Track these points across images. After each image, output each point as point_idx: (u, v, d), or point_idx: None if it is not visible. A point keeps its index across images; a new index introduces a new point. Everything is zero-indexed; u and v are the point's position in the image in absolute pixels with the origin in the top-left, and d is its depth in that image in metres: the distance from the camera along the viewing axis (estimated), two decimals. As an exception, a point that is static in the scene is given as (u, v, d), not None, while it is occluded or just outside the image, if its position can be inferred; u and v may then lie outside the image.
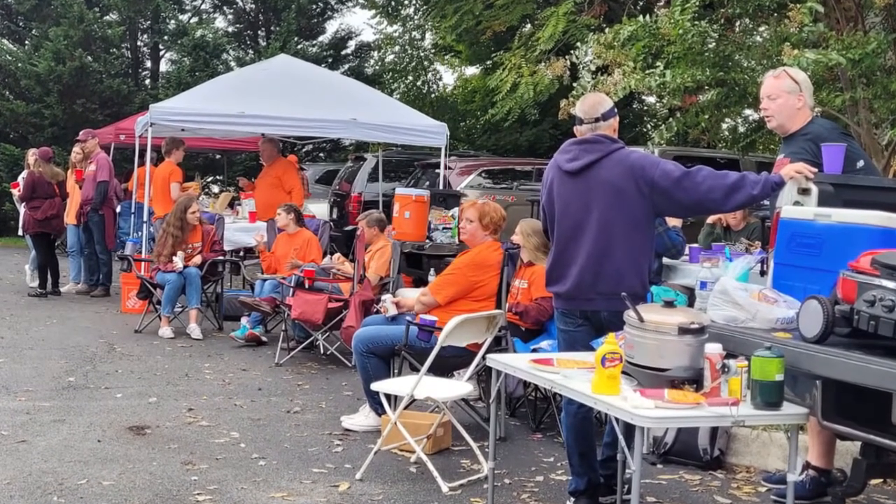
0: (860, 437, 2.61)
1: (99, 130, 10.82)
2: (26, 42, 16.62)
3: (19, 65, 15.55)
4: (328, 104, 8.41)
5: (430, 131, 8.65)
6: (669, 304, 2.83)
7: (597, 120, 3.36)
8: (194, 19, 17.91)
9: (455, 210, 6.23)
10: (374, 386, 4.07)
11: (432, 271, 5.28)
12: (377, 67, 18.47)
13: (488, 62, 14.99)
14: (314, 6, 17.94)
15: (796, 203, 3.08)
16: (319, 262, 6.76)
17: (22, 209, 9.14)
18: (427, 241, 6.17)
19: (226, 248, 7.87)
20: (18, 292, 9.00)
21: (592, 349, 2.93)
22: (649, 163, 3.29)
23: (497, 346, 4.30)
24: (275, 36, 16.97)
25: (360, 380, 4.55)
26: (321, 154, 17.54)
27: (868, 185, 3.23)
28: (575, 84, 6.50)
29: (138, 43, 17.57)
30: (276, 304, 6.46)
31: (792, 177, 3.13)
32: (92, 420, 4.57)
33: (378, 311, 4.93)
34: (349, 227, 9.63)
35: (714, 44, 6.08)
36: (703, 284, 3.17)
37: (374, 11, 17.53)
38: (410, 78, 18.49)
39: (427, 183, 9.71)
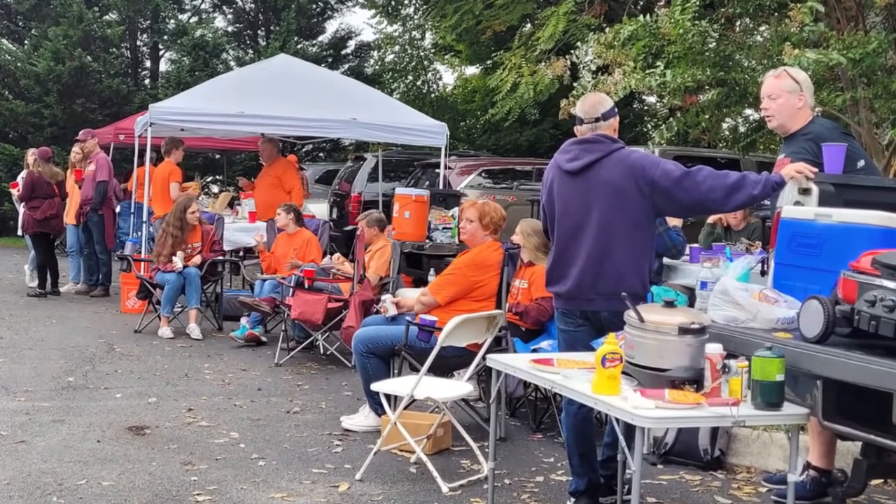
0: (861, 437, 2.60)
1: (98, 130, 10.81)
2: (25, 42, 16.61)
3: (18, 64, 15.54)
4: (328, 104, 8.40)
5: (429, 131, 8.64)
6: (670, 304, 2.83)
7: (597, 120, 3.35)
8: (194, 19, 17.91)
9: (455, 210, 6.23)
10: (374, 386, 4.06)
11: (432, 271, 5.28)
12: (377, 67, 18.47)
13: (488, 62, 14.99)
14: (314, 6, 17.94)
15: (797, 203, 3.08)
16: (319, 262, 6.76)
17: (21, 209, 9.14)
18: (427, 241, 6.17)
19: (225, 248, 7.86)
20: (18, 292, 9.00)
21: (593, 349, 2.93)
22: (650, 162, 3.28)
23: (497, 346, 4.30)
24: (274, 36, 16.96)
25: (360, 380, 4.54)
26: (321, 154, 17.54)
27: (869, 185, 3.23)
28: (575, 84, 6.49)
29: (138, 43, 17.57)
30: (275, 305, 6.45)
31: (792, 177, 3.13)
32: (91, 420, 4.57)
33: (378, 312, 4.93)
34: (349, 227, 9.63)
35: (714, 43, 6.08)
36: (704, 284, 3.16)
37: (373, 11, 17.53)
38: (410, 78, 18.49)
39: (427, 183, 9.70)
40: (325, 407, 5.02)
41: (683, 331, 2.71)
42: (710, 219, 5.70)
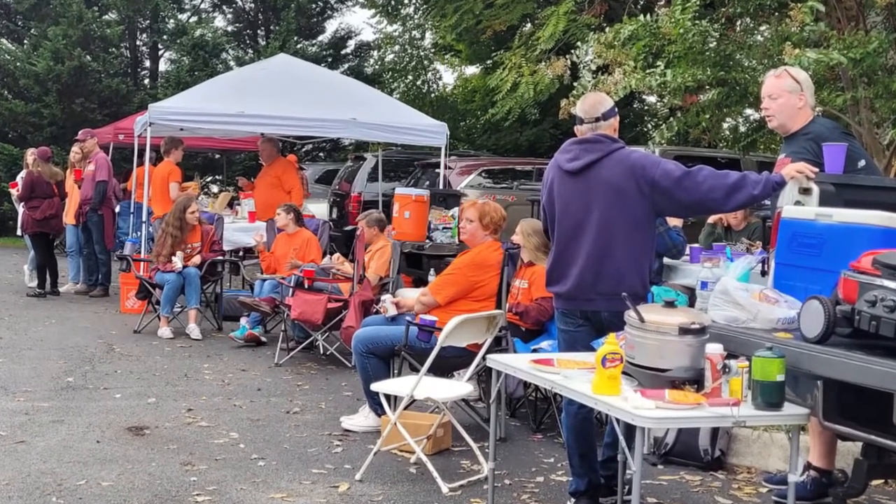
0: (861, 437, 2.60)
1: (98, 130, 10.81)
2: (25, 41, 16.62)
3: (18, 64, 15.54)
4: (328, 104, 8.40)
5: (429, 131, 8.63)
6: (670, 305, 2.82)
7: (597, 119, 3.35)
8: (193, 18, 17.90)
9: (455, 210, 6.22)
10: (374, 386, 4.06)
11: (432, 271, 5.28)
12: (377, 67, 18.47)
13: (488, 61, 14.99)
14: (314, 5, 17.94)
15: (797, 203, 3.08)
16: (319, 262, 6.75)
17: (21, 209, 9.14)
18: (427, 241, 6.17)
19: (225, 248, 7.86)
20: (17, 292, 9.00)
21: (593, 349, 2.92)
22: (650, 162, 3.28)
23: (497, 346, 4.29)
24: (274, 35, 16.96)
25: (360, 380, 4.54)
26: (321, 154, 17.54)
27: (869, 185, 3.22)
28: (575, 83, 6.49)
29: (137, 42, 17.57)
30: (275, 305, 6.45)
31: (793, 176, 3.12)
32: (91, 420, 4.56)
33: (378, 312, 4.92)
34: (349, 227, 9.62)
35: (715, 43, 6.07)
36: (704, 284, 3.16)
37: (373, 11, 17.53)
38: (410, 77, 18.49)
39: (427, 183, 9.70)
40: (325, 407, 5.01)
41: (684, 331, 2.71)
42: (711, 219, 5.70)
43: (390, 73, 18.35)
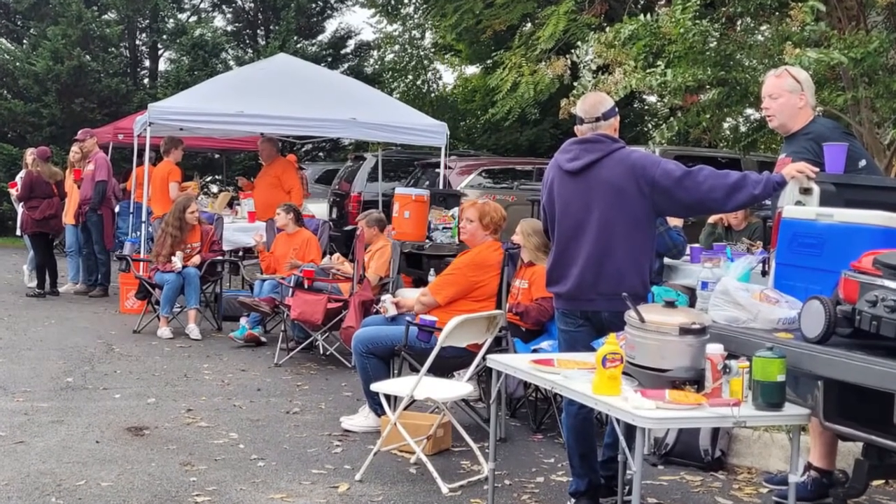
0: (862, 437, 2.60)
1: (97, 130, 10.80)
2: (24, 41, 16.61)
3: (17, 64, 15.54)
4: (327, 103, 8.39)
5: (429, 131, 8.63)
6: (670, 305, 2.82)
7: (597, 119, 3.34)
8: (193, 18, 17.90)
9: (455, 210, 6.22)
10: (374, 386, 4.05)
11: (432, 271, 5.27)
12: (377, 66, 18.48)
13: (488, 61, 14.99)
14: (313, 5, 17.94)
15: (798, 203, 3.07)
16: (319, 263, 6.75)
17: (20, 209, 9.13)
18: (427, 241, 6.16)
19: (225, 248, 7.85)
20: (16, 292, 8.99)
21: (593, 350, 2.92)
22: (650, 162, 3.27)
23: (497, 346, 4.28)
24: (274, 35, 16.95)
25: (360, 380, 4.53)
26: (320, 153, 17.53)
27: (870, 185, 3.22)
28: (575, 83, 6.48)
29: (137, 42, 17.56)
30: (275, 305, 6.44)
31: (794, 176, 3.11)
32: (90, 421, 4.56)
33: (378, 312, 4.91)
34: (349, 227, 9.61)
35: (715, 43, 6.07)
36: (705, 284, 3.16)
37: (373, 10, 17.54)
38: (410, 77, 18.49)
39: (427, 182, 9.69)
40: (325, 407, 5.01)
41: (684, 331, 2.70)
42: (711, 219, 5.69)
43: (390, 72, 18.35)
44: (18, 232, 9.45)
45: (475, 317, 4.02)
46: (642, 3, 10.83)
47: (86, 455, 4.01)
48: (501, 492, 3.68)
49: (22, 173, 9.30)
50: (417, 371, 3.96)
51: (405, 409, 4.03)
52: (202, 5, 18.46)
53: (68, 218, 9.09)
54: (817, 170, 3.13)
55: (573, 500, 3.43)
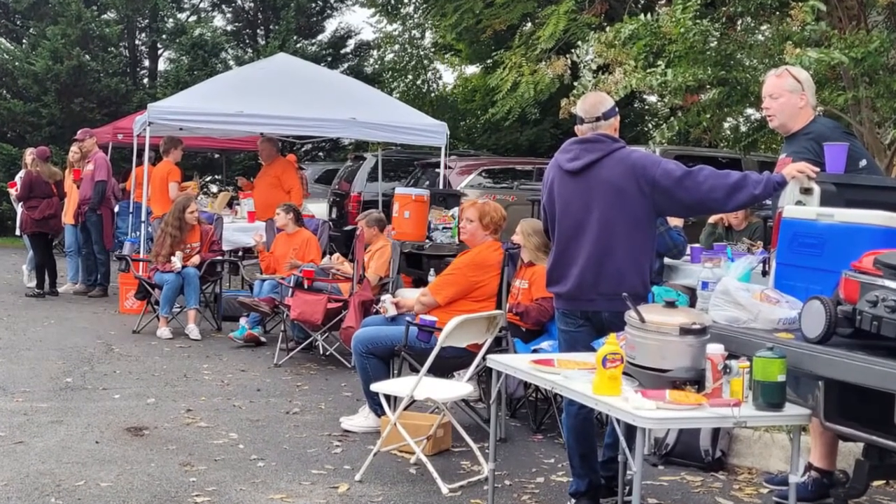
0: (863, 438, 2.59)
1: (97, 130, 10.79)
2: (24, 41, 16.61)
3: (17, 63, 15.53)
4: (327, 103, 8.38)
5: (429, 130, 8.62)
6: (671, 305, 2.82)
7: (598, 119, 3.34)
8: (193, 18, 17.90)
9: (455, 210, 6.21)
10: (374, 387, 4.05)
11: (432, 271, 5.27)
12: (377, 66, 18.47)
13: (489, 61, 14.99)
14: (313, 5, 17.93)
15: (798, 203, 3.07)
16: (318, 263, 6.74)
17: (19, 209, 9.12)
18: (427, 241, 6.15)
19: (224, 248, 7.84)
20: (16, 292, 8.98)
21: (593, 350, 2.91)
22: (650, 162, 3.27)
23: (497, 346, 4.28)
24: (274, 35, 16.95)
25: (360, 381, 4.53)
26: (320, 153, 17.53)
27: (871, 185, 3.21)
28: (576, 83, 6.48)
29: (136, 42, 17.55)
30: (274, 305, 6.44)
31: (794, 176, 3.11)
32: (90, 421, 4.55)
33: (377, 312, 4.91)
34: (348, 227, 9.61)
35: (716, 42, 6.06)
36: (705, 284, 3.15)
37: (373, 10, 17.53)
38: (410, 77, 18.49)
39: (427, 182, 9.68)
40: (325, 408, 5.00)
41: (685, 331, 2.70)
42: (712, 219, 5.69)
43: (390, 72, 18.35)
44: (18, 232, 9.44)
45: (475, 317, 4.02)
46: (642, 2, 10.83)
47: (85, 455, 4.00)
48: (501, 492, 3.67)
49: (21, 173, 9.29)
50: (417, 371, 3.95)
51: (405, 409, 4.03)
52: (202, 5, 18.46)
53: (68, 218, 9.08)
54: (818, 170, 3.12)
55: (573, 501, 3.42)
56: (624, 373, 2.71)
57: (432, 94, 18.58)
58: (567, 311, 3.39)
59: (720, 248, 4.81)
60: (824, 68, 5.21)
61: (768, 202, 3.65)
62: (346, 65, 17.84)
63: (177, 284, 7.00)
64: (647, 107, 17.47)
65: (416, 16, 16.85)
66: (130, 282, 7.67)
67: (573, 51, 6.85)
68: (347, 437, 4.44)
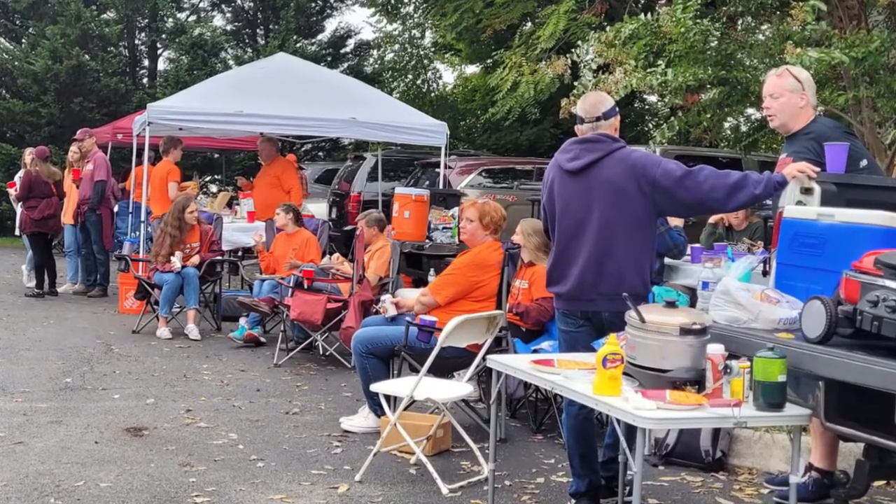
0: (863, 438, 2.59)
1: (96, 129, 10.79)
2: (23, 40, 16.60)
3: (16, 63, 15.52)
4: (327, 103, 8.38)
5: (429, 130, 8.62)
6: (671, 305, 2.81)
7: (598, 119, 3.33)
8: (192, 17, 17.89)
9: (455, 210, 6.21)
10: (374, 387, 4.04)
11: (432, 271, 5.26)
12: (377, 66, 18.46)
13: (489, 61, 14.97)
14: (313, 4, 17.93)
15: (799, 203, 3.06)
16: (318, 263, 6.73)
17: (19, 209, 9.12)
18: (427, 241, 6.15)
19: (224, 248, 7.84)
20: (15, 292, 8.98)
21: (593, 350, 2.91)
22: (651, 162, 3.27)
23: (497, 346, 4.27)
24: (273, 34, 16.94)
25: (360, 381, 4.52)
26: (320, 153, 17.52)
27: (871, 185, 3.21)
28: (576, 83, 6.47)
29: (136, 41, 17.55)
30: (274, 305, 6.43)
31: (795, 176, 3.10)
32: (89, 421, 4.54)
33: (377, 312, 4.90)
34: (348, 227, 9.60)
35: (716, 42, 6.06)
36: (705, 285, 3.15)
37: (373, 10, 17.52)
38: (410, 76, 18.48)
39: (427, 182, 9.68)
40: (325, 408, 5.00)
41: (685, 331, 2.70)
42: (712, 219, 5.68)
43: (390, 72, 18.34)
44: (17, 232, 9.43)
45: (475, 317, 4.01)
46: (643, 2, 10.82)
47: (84, 456, 4.00)
48: (501, 492, 3.67)
49: (21, 173, 9.28)
50: (417, 371, 3.95)
51: (405, 409, 4.02)
52: (201, 4, 18.45)
53: (67, 218, 9.08)
54: (818, 169, 3.12)
55: (573, 501, 3.42)
56: (624, 373, 2.71)
57: (432, 94, 18.58)
58: (567, 311, 3.38)
59: (720, 248, 4.80)
60: (825, 68, 5.20)
61: (769, 202, 3.65)
62: (345, 64, 17.83)
63: (176, 284, 7.00)
64: (647, 107, 17.47)
65: (416, 15, 16.84)
66: (130, 282, 7.67)
67: (573, 50, 6.85)
68: (347, 437, 4.43)
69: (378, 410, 4.36)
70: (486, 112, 12.40)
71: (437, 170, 9.18)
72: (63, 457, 3.97)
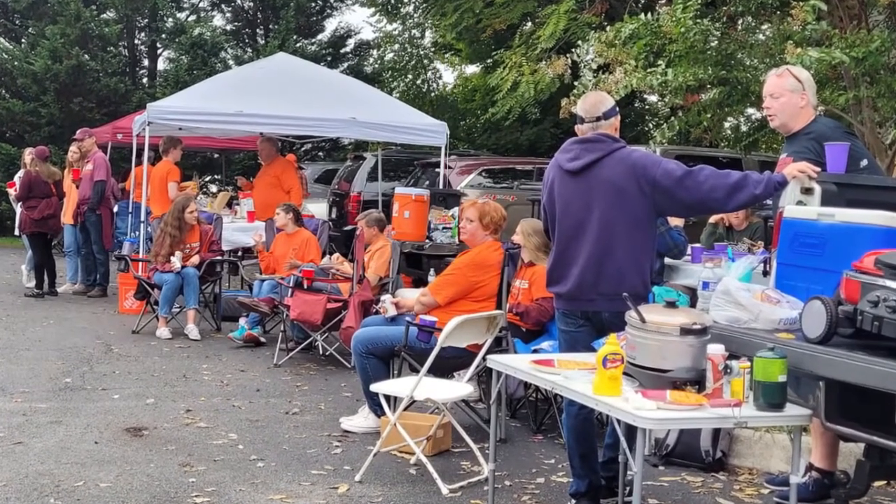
0: (863, 438, 2.58)
1: (96, 129, 10.78)
2: (23, 40, 16.59)
3: (16, 63, 15.52)
4: (327, 103, 8.37)
5: (429, 130, 8.61)
6: (671, 305, 2.81)
7: (598, 119, 3.33)
8: (192, 17, 17.89)
9: (455, 210, 6.21)
10: (374, 387, 4.04)
11: (432, 271, 5.26)
12: (376, 66, 18.46)
13: (489, 60, 14.97)
14: (313, 4, 17.92)
15: (799, 203, 3.06)
16: (318, 263, 6.73)
17: (18, 209, 9.11)
18: (427, 241, 6.15)
19: (224, 248, 7.84)
20: (15, 293, 8.98)
21: (594, 350, 2.91)
22: (651, 162, 3.26)
23: (497, 346, 4.27)
24: (273, 34, 16.94)
25: (360, 381, 4.52)
26: (320, 153, 17.52)
27: (872, 185, 3.20)
28: (576, 83, 6.47)
29: (136, 41, 17.54)
30: (274, 305, 6.43)
31: (795, 176, 3.10)
32: (89, 421, 4.54)
33: (377, 312, 4.90)
34: (348, 227, 9.60)
35: (716, 42, 6.05)
36: (706, 285, 3.14)
37: (373, 9, 17.52)
38: (410, 76, 18.48)
39: (427, 182, 9.68)
40: (325, 408, 5.00)
41: (685, 331, 2.69)
42: (712, 219, 5.68)
43: (390, 72, 18.34)
44: (17, 232, 9.43)
45: (475, 317, 4.01)
46: (643, 2, 10.82)
47: (84, 456, 3.99)
48: (502, 493, 3.67)
49: (20, 173, 9.28)
50: (417, 371, 3.95)
51: (405, 409, 4.02)
52: (201, 4, 18.45)
53: (67, 218, 9.07)
54: (819, 169, 3.12)
55: (574, 501, 3.42)
56: (624, 373, 2.70)
57: (432, 94, 18.58)
58: (567, 311, 3.38)
59: (721, 248, 4.80)
60: (825, 68, 5.20)
61: (769, 202, 3.64)
62: (345, 64, 17.83)
63: (176, 284, 7.00)
64: (647, 106, 17.46)
65: (415, 15, 16.84)
66: (130, 282, 7.66)
67: (573, 50, 6.85)
68: (347, 437, 4.43)
69: (378, 410, 4.35)
70: (486, 112, 12.39)
71: (437, 170, 9.18)
72: (63, 457, 3.96)
